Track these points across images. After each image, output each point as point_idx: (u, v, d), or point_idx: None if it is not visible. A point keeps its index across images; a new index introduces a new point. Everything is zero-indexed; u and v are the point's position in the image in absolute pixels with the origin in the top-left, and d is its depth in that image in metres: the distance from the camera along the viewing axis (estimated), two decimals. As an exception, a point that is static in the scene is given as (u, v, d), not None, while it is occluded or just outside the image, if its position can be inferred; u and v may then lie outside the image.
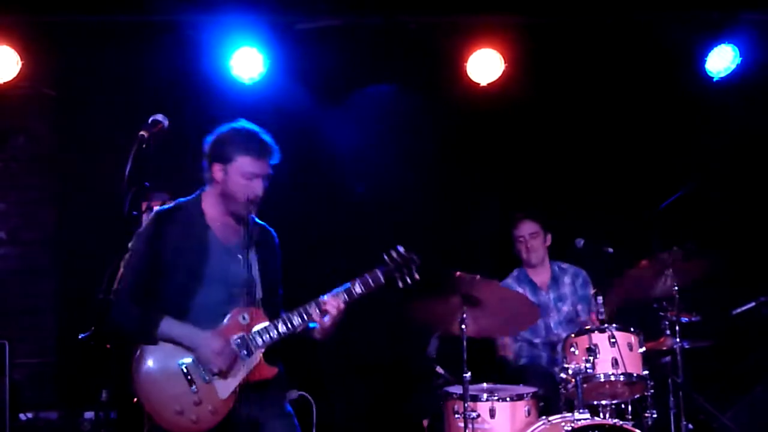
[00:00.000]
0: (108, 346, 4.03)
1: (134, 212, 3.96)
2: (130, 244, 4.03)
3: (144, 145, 3.90)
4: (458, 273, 5.24)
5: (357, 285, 4.33)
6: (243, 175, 4.28)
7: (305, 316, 4.29)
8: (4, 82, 6.72)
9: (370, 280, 4.35)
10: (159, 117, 4.05)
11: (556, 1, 7.10)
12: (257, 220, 4.52)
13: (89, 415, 6.17)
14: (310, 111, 7.04)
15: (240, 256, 4.37)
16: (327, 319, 4.28)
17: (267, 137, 4.37)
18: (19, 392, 6.24)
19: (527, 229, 6.68)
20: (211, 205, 4.39)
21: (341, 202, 7.26)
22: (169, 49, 6.83)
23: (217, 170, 4.31)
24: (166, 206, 4.31)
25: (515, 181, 7.50)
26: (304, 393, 6.71)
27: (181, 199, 4.43)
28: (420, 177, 7.32)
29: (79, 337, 3.95)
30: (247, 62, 6.90)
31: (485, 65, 7.10)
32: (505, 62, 7.07)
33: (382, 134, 7.15)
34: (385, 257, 4.41)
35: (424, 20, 7.09)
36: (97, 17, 6.85)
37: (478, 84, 7.15)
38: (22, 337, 6.57)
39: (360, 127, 7.10)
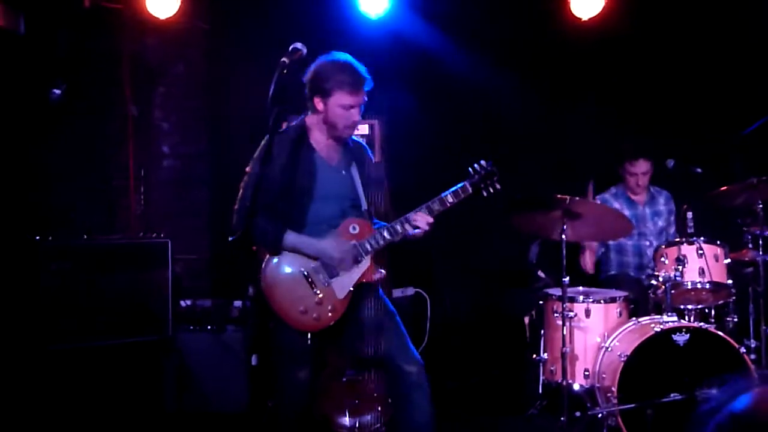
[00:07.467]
0: (254, 248, 4.09)
1: (278, 129, 3.97)
2: (248, 168, 4.09)
3: (285, 71, 3.80)
4: (558, 195, 5.08)
5: (449, 196, 4.26)
6: (341, 107, 4.16)
7: (402, 227, 4.23)
8: (167, 18, 6.68)
9: (459, 191, 4.28)
10: (298, 45, 3.90)
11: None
12: (354, 138, 4.43)
13: (237, 303, 6.24)
14: (430, 44, 6.77)
15: (344, 172, 4.32)
16: (418, 232, 4.24)
17: (361, 67, 4.19)
18: (180, 283, 6.32)
19: (642, 167, 6.17)
20: (314, 130, 4.29)
21: (457, 127, 7.02)
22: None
23: (318, 102, 4.19)
24: (276, 132, 4.12)
25: (613, 108, 7.11)
26: (420, 290, 6.70)
27: (289, 125, 4.34)
28: (528, 104, 7.02)
29: (229, 239, 3.87)
30: (373, -1, 6.72)
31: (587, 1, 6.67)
32: (605, -2, 6.65)
33: (492, 63, 6.84)
34: (470, 170, 4.30)
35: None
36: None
37: (580, 19, 6.72)
38: (181, 236, 6.57)
39: (472, 57, 6.82)
